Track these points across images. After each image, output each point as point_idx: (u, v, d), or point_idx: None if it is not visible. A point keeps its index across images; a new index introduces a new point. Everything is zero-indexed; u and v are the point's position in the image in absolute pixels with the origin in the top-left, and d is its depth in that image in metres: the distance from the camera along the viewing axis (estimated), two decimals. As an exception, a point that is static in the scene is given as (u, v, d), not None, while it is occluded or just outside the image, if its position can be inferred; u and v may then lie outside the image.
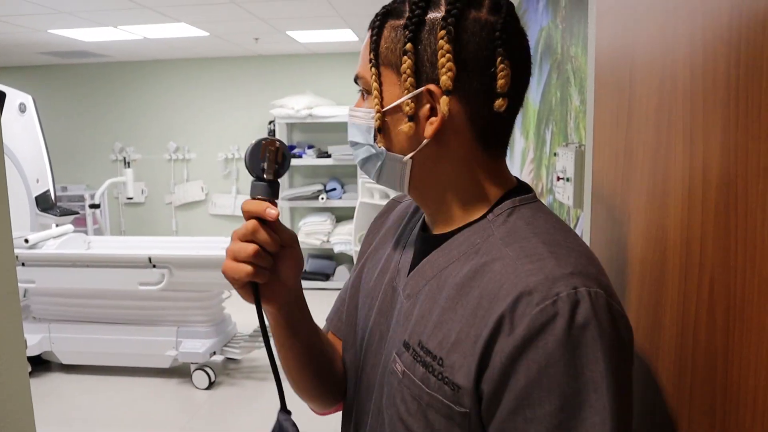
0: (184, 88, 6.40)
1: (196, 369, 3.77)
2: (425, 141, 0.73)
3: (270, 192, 0.77)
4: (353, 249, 5.14)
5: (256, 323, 4.23)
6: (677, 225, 0.71)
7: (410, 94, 0.72)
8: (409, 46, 0.71)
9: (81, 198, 6.19)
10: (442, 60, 0.69)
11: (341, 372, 0.95)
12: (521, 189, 0.78)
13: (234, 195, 6.46)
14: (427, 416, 0.71)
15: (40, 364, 4.01)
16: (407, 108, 0.72)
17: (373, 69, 0.74)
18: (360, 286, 0.93)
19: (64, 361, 3.97)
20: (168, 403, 3.64)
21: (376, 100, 0.74)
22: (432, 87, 0.71)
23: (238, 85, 6.33)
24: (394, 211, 0.98)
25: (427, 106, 0.72)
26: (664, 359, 0.76)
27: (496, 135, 0.75)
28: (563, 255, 0.67)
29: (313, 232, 5.84)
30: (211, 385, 3.78)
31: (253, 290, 0.78)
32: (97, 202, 5.38)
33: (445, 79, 0.69)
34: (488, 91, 0.71)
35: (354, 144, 0.80)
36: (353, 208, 4.99)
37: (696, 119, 0.67)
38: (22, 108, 4.38)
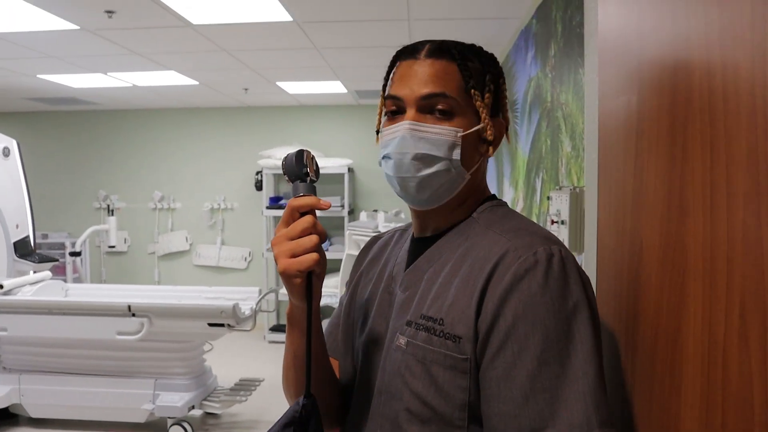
0: (171, 137, 6.39)
1: (173, 424, 3.58)
2: (483, 159, 0.92)
3: (314, 191, 0.84)
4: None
5: (237, 376, 4.08)
6: (698, 243, 0.66)
7: (484, 122, 0.89)
8: (491, 86, 0.91)
9: (62, 246, 6.05)
10: (504, 101, 0.95)
11: (339, 388, 1.01)
12: (494, 197, 0.97)
13: (218, 246, 6.36)
14: (431, 372, 0.82)
15: (7, 417, 3.80)
16: (489, 131, 0.90)
17: (474, 92, 0.88)
18: (353, 303, 1.03)
19: (33, 415, 3.76)
20: (141, 460, 3.45)
21: (481, 116, 0.89)
22: (501, 118, 0.94)
23: (226, 135, 6.33)
24: (377, 244, 1.11)
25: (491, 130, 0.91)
26: (687, 394, 0.69)
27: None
28: (536, 230, 0.86)
29: (298, 283, 5.72)
30: (187, 441, 3.59)
31: (307, 282, 0.82)
32: (78, 249, 5.25)
33: (508, 114, 0.95)
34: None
35: (426, 157, 0.87)
36: (339, 261, 4.89)
37: (717, 129, 0.62)
38: (6, 152, 4.31)
